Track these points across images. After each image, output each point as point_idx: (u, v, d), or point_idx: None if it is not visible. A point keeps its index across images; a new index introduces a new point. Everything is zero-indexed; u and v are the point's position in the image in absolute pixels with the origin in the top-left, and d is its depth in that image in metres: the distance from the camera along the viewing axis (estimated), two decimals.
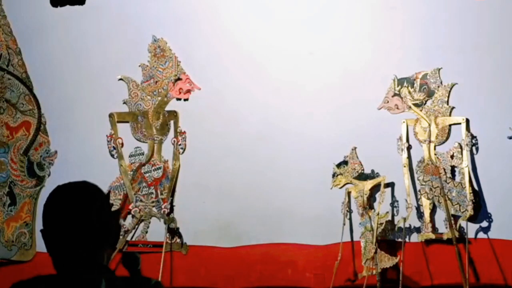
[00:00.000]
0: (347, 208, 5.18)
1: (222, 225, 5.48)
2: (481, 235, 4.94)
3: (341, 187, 5.23)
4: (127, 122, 5.77)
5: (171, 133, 5.69)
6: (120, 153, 5.71)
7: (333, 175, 5.25)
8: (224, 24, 5.61)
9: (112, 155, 5.73)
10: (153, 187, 5.65)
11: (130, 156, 5.74)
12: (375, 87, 5.21)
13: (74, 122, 5.92)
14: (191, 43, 5.67)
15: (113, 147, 5.73)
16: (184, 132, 5.64)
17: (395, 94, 5.19)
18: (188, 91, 5.65)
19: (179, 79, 5.68)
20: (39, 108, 6.03)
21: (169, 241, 5.51)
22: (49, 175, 5.97)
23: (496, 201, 4.94)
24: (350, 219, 5.19)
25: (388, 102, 5.20)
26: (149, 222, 5.63)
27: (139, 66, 5.72)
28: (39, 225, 5.98)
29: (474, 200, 4.88)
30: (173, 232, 5.53)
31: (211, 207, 5.51)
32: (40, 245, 5.92)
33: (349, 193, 5.20)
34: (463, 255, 4.81)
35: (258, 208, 5.39)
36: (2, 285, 5.82)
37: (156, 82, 5.74)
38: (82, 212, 2.13)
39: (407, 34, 5.18)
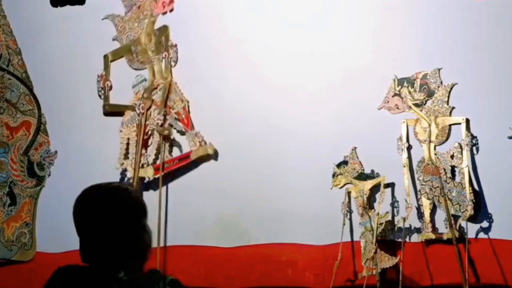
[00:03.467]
0: (347, 208, 5.17)
1: (222, 225, 5.48)
2: (481, 235, 4.92)
3: (341, 187, 5.23)
4: (122, 57, 5.76)
5: None
6: (107, 95, 5.69)
7: (333, 175, 5.25)
8: (224, 24, 5.61)
9: (100, 96, 5.72)
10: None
11: (133, 86, 5.71)
12: (375, 87, 5.21)
13: (74, 122, 5.92)
14: (191, 43, 5.67)
15: (101, 88, 5.71)
16: (175, 45, 5.62)
17: (395, 94, 5.18)
18: (171, 1, 5.64)
19: None
20: (39, 108, 6.04)
21: (193, 148, 5.45)
22: (49, 175, 5.98)
23: (496, 201, 4.92)
24: (350, 219, 5.19)
25: (388, 102, 5.20)
26: (169, 143, 5.58)
27: None
28: (39, 225, 6.02)
29: (474, 200, 4.87)
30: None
31: (211, 207, 5.51)
32: (40, 245, 5.92)
33: (349, 193, 5.20)
34: (463, 255, 4.80)
35: (258, 208, 5.39)
36: (2, 285, 5.82)
37: (139, 6, 5.72)
38: (115, 212, 2.28)
39: (407, 34, 5.18)
